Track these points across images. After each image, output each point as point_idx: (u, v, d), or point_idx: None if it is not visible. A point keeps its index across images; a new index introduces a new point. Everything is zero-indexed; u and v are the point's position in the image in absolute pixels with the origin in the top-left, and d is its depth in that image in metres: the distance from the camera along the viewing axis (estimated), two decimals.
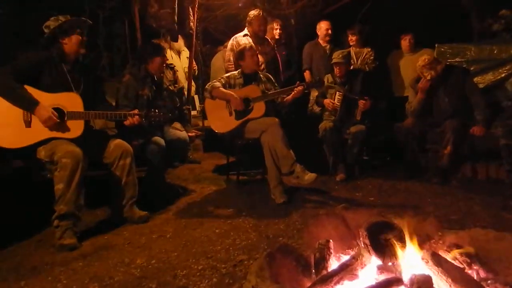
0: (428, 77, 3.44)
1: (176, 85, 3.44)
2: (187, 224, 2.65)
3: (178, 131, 3.28)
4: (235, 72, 3.46)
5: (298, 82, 3.33)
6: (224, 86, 3.31)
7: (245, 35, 4.02)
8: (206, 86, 3.37)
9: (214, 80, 3.40)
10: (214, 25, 5.76)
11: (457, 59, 3.88)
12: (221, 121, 3.31)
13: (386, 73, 4.56)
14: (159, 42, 3.41)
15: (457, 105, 3.43)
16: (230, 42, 4.05)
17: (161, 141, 3.03)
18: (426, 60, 3.43)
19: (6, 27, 3.96)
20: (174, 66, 3.81)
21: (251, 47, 3.42)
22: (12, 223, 2.60)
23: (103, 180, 2.68)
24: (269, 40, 4.15)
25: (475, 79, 3.66)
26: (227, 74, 3.49)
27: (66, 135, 2.45)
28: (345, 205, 2.77)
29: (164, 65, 3.31)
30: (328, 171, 3.76)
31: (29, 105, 2.35)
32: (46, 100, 2.40)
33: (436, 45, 3.96)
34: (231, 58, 3.96)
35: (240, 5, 5.22)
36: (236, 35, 4.05)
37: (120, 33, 5.07)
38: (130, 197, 2.68)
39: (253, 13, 3.99)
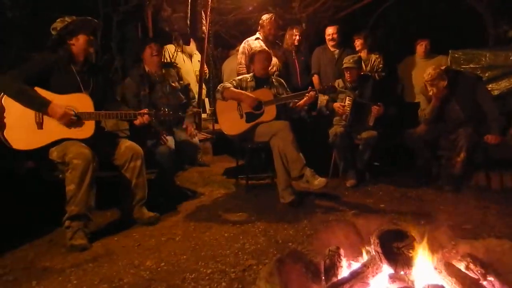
0: (430, 93, 3.41)
1: (181, 82, 3.42)
2: (196, 227, 2.65)
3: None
4: (248, 75, 3.49)
5: (310, 87, 3.35)
6: (235, 88, 3.33)
7: (256, 38, 4.05)
8: (218, 87, 3.39)
9: (226, 82, 3.42)
10: (225, 29, 5.80)
11: (471, 65, 3.84)
12: (232, 123, 3.32)
13: (397, 78, 4.52)
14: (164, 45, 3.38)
15: (469, 112, 3.37)
16: (242, 45, 4.10)
17: (171, 144, 3.05)
18: (430, 76, 3.38)
19: (19, 29, 4.03)
20: (176, 63, 3.81)
21: (262, 51, 3.43)
22: (24, 223, 2.64)
23: (113, 181, 2.70)
24: (281, 45, 4.16)
25: (490, 86, 3.61)
26: (239, 77, 3.52)
27: (78, 135, 2.48)
28: (356, 211, 2.75)
29: (158, 60, 3.21)
30: (338, 176, 3.73)
31: (40, 106, 2.37)
32: (57, 101, 2.42)
33: (450, 51, 3.92)
34: (243, 61, 4.00)
35: (250, 8, 5.24)
36: (248, 39, 4.10)
37: (132, 37, 5.12)
38: (139, 199, 2.69)
39: (265, 16, 4.03)
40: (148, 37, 3.24)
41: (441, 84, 3.36)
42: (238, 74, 3.86)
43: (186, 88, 3.45)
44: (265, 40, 4.01)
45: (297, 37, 4.31)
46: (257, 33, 4.10)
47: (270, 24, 3.96)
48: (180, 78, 3.41)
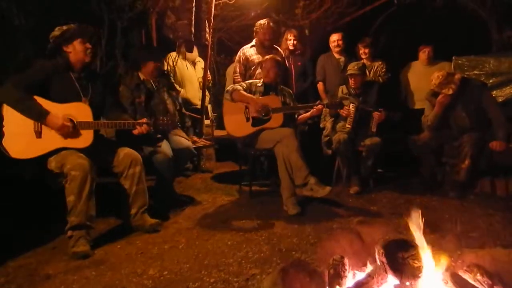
0: (450, 92, 3.33)
1: (173, 91, 3.41)
2: (199, 234, 2.64)
3: (183, 139, 3.25)
4: (257, 80, 3.51)
5: (318, 101, 3.40)
6: (245, 91, 3.34)
7: (252, 46, 4.05)
8: (228, 88, 3.41)
9: (236, 84, 3.44)
10: (228, 36, 5.83)
11: (475, 72, 3.83)
12: (237, 125, 3.32)
13: (401, 85, 4.51)
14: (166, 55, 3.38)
15: (474, 119, 3.35)
16: (238, 53, 4.09)
17: (169, 151, 3.02)
18: (440, 76, 3.33)
19: (26, 35, 4.07)
20: (168, 71, 3.79)
21: (269, 58, 3.43)
22: (28, 230, 2.64)
23: (116, 187, 2.70)
24: (279, 49, 4.16)
25: (494, 93, 3.59)
26: (249, 81, 3.54)
27: (76, 145, 2.46)
28: (361, 219, 2.73)
29: (158, 71, 3.22)
30: (342, 183, 3.71)
31: (39, 116, 2.36)
32: (56, 110, 2.42)
33: (453, 58, 3.91)
34: (237, 70, 4.01)
35: (252, 14, 5.27)
36: (244, 47, 4.09)
37: (136, 44, 5.15)
38: (140, 205, 2.68)
39: (259, 22, 4.01)
40: (159, 52, 3.20)
41: (456, 78, 3.31)
42: (234, 82, 3.86)
43: (178, 97, 3.46)
44: (261, 46, 3.98)
45: (292, 41, 4.29)
46: (253, 40, 4.09)
47: (264, 29, 3.93)
48: (172, 87, 3.39)
